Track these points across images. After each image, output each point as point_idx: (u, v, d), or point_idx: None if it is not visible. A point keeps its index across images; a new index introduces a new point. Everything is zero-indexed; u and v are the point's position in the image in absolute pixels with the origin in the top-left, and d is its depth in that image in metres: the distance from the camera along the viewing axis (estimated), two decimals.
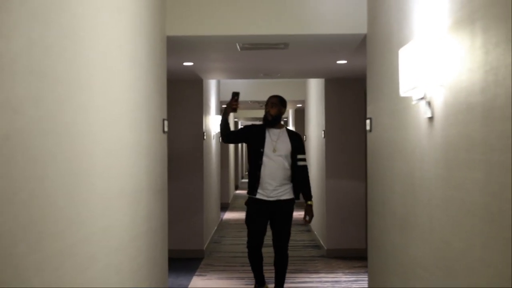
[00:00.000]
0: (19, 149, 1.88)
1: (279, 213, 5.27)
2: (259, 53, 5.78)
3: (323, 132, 8.26)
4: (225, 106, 5.49)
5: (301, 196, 5.44)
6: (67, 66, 2.35)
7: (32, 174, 1.99)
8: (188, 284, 6.42)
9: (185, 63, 6.43)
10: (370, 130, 4.66)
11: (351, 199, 7.95)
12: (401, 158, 3.67)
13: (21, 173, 1.90)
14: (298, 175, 5.33)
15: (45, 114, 2.11)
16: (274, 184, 5.21)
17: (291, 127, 16.00)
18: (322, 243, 8.53)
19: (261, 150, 5.23)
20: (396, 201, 3.83)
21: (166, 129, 4.69)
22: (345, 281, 6.56)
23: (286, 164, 5.26)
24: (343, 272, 7.01)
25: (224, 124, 5.41)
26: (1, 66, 1.76)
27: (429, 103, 3.01)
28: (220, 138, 5.34)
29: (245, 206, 5.43)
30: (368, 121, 4.71)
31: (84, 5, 2.59)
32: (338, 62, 6.39)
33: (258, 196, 5.25)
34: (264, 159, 5.22)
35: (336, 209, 8.05)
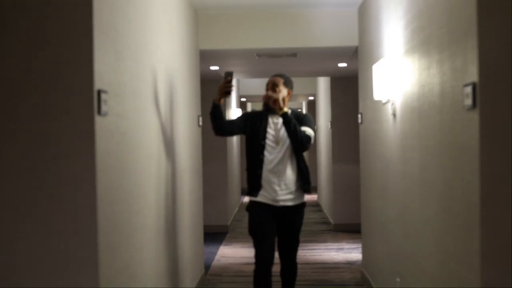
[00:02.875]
0: (133, 141, 3.15)
1: (288, 222, 4.37)
2: (273, 59, 7.02)
3: (329, 123, 9.51)
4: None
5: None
6: (148, 87, 3.62)
7: (137, 154, 3.26)
8: (217, 251, 7.72)
9: (211, 67, 7.69)
10: (361, 123, 5.90)
11: (354, 180, 9.16)
12: (380, 144, 4.91)
13: (131, 154, 3.16)
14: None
15: (139, 118, 3.37)
16: (280, 184, 4.26)
17: None
18: (330, 219, 9.80)
19: (262, 142, 4.27)
20: (377, 176, 5.08)
21: (201, 123, 5.96)
22: (347, 248, 7.82)
23: (293, 157, 4.30)
24: (346, 242, 8.27)
25: (215, 111, 4.31)
26: (118, 91, 3.01)
27: (392, 105, 4.26)
28: (213, 129, 4.37)
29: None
30: (359, 115, 5.95)
31: (158, 44, 3.85)
32: (339, 65, 7.62)
33: (260, 198, 4.30)
34: (266, 153, 4.27)
35: (341, 189, 9.30)
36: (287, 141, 4.27)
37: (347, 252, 7.59)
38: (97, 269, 2.57)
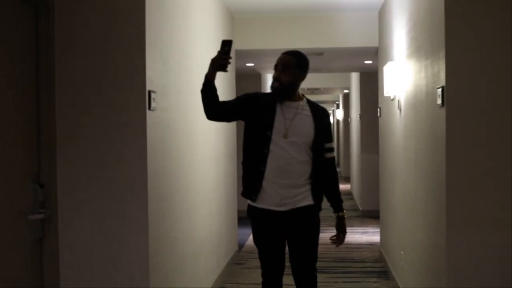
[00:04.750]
0: (176, 130, 3.91)
1: (299, 230, 3.45)
2: None
3: (359, 115, 10.16)
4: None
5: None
6: (189, 86, 4.37)
7: (179, 142, 4.02)
8: (251, 233, 8.45)
9: (247, 64, 8.43)
10: (380, 116, 6.56)
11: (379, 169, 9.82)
12: (391, 135, 5.58)
13: (174, 141, 3.92)
14: (324, 172, 3.49)
15: (181, 112, 4.13)
16: (287, 186, 3.37)
17: (340, 111, 17.79)
18: (359, 206, 10.46)
19: (268, 133, 3.38)
20: (389, 164, 5.75)
21: None
22: (371, 232, 8.49)
23: (305, 155, 3.41)
24: (372, 226, 8.94)
25: (208, 89, 3.44)
26: (164, 90, 3.75)
27: (398, 101, 4.92)
28: (204, 112, 3.49)
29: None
30: (378, 109, 6.61)
31: (198, 47, 4.60)
32: (365, 62, 8.27)
33: (261, 204, 3.41)
34: (272, 147, 3.37)
35: (369, 178, 9.96)
36: (300, 134, 3.39)
37: (370, 235, 8.26)
38: (147, 230, 3.33)
